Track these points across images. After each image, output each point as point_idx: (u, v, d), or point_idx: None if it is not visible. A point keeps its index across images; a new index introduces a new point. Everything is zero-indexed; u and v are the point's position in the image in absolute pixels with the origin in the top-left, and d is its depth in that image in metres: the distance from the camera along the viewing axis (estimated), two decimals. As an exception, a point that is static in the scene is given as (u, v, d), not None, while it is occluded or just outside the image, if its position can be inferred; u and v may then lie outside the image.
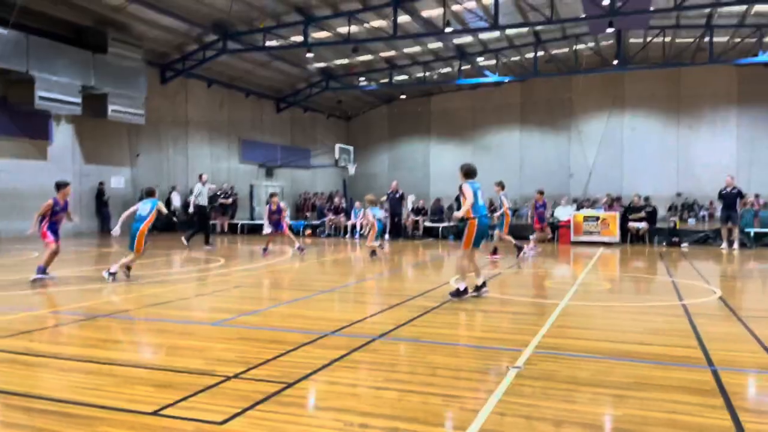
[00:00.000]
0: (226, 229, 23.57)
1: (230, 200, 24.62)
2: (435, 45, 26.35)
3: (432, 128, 35.44)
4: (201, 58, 23.68)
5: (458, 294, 7.59)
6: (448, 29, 20.58)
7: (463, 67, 28.33)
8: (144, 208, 9.83)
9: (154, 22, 20.89)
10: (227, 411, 3.69)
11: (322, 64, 28.16)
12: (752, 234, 18.00)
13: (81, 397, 3.98)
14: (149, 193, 10.34)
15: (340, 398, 4.01)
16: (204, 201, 16.92)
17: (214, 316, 6.91)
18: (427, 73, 30.09)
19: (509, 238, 14.43)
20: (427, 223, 22.26)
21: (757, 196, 23.96)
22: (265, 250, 14.94)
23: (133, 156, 23.59)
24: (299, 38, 22.41)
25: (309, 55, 24.76)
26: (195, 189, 17.31)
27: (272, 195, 16.39)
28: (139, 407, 3.77)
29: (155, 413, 3.68)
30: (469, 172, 7.97)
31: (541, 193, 16.82)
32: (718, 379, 4.40)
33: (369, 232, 14.66)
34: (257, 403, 3.83)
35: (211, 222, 24.05)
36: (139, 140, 23.59)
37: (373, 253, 14.07)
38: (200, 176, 17.41)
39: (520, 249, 14.25)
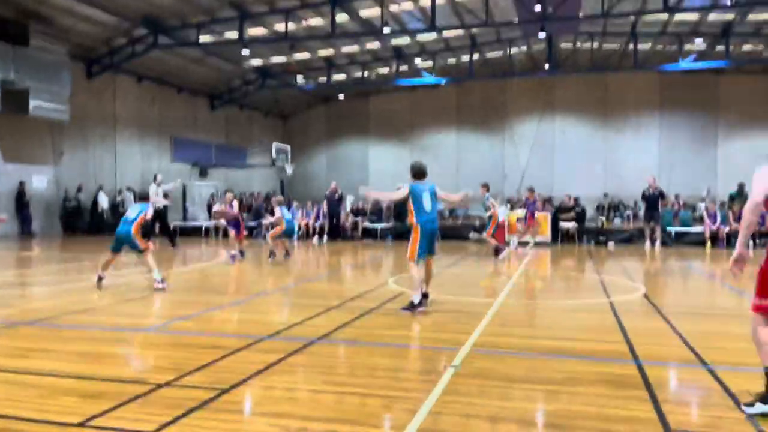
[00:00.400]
0: (157, 232, 22.77)
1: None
2: (373, 45, 26.42)
3: (371, 129, 35.50)
4: (130, 53, 22.81)
5: (411, 307, 7.07)
6: (386, 29, 20.67)
7: (401, 68, 28.54)
8: (132, 212, 9.31)
9: (80, 15, 19.95)
10: (158, 420, 3.56)
11: (258, 62, 27.70)
12: (673, 233, 19.02)
13: (1, 409, 3.75)
14: (143, 198, 9.80)
15: (277, 403, 3.95)
16: (160, 202, 16.65)
17: (145, 321, 6.67)
18: (366, 74, 30.13)
19: (492, 240, 14.58)
20: (366, 224, 22.31)
21: (677, 196, 25.28)
22: (242, 253, 13.75)
23: (57, 154, 22.47)
24: (234, 34, 21.97)
25: (245, 52, 24.31)
26: (150, 190, 16.87)
27: (227, 191, 15.53)
28: (66, 418, 3.59)
29: (82, 424, 3.52)
30: (417, 173, 7.47)
31: (532, 191, 17.12)
32: (643, 373, 4.61)
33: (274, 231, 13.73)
34: (190, 411, 3.72)
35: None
36: (63, 138, 22.48)
37: (272, 254, 13.08)
38: (155, 177, 17.04)
39: (498, 251, 14.43)
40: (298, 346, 5.38)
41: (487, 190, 14.72)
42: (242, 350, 5.25)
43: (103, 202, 23.25)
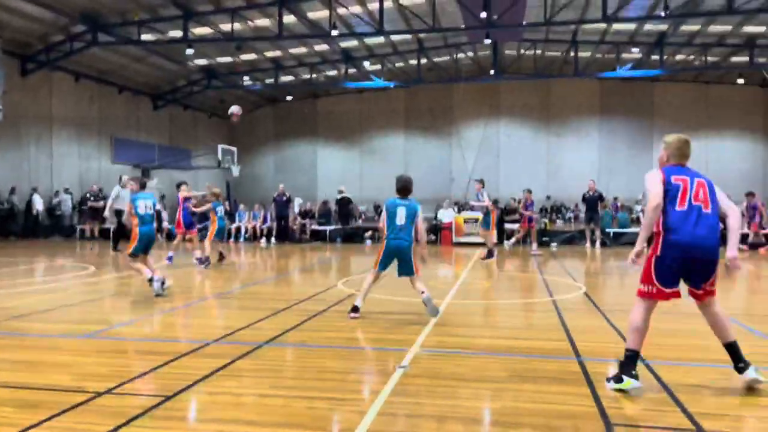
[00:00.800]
0: (96, 235, 22.01)
1: (100, 203, 22.98)
2: (321, 47, 26.33)
3: (319, 130, 35.34)
4: (68, 50, 21.95)
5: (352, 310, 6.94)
6: (334, 32, 20.64)
7: (349, 71, 28.55)
8: (147, 205, 8.57)
9: (14, 9, 19.06)
10: (98, 429, 3.44)
11: (203, 62, 27.15)
12: (611, 234, 19.74)
13: (-77, 425, 3.54)
14: (143, 186, 8.97)
15: (223, 409, 3.88)
16: (123, 205, 15.97)
17: (84, 327, 6.42)
18: (314, 75, 29.98)
19: (490, 239, 14.19)
20: (315, 226, 22.19)
21: (615, 199, 26.26)
22: (204, 259, 12.64)
23: (-12, 154, 21.40)
24: (178, 33, 21.46)
25: (189, 51, 23.78)
26: (113, 192, 16.28)
27: (181, 184, 14.51)
28: (0, 430, 3.43)
29: (15, 437, 3.36)
30: (398, 188, 7.10)
31: (530, 192, 17.22)
32: (584, 369, 4.76)
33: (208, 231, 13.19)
34: (132, 419, 3.61)
35: (80, 227, 22.42)
36: (-6, 137, 21.43)
37: (206, 260, 12.31)
38: (120, 178, 16.45)
39: (490, 254, 14.02)
40: (245, 350, 5.30)
41: (483, 186, 14.40)
42: (187, 355, 5.13)
43: (38, 204, 22.28)
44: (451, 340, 5.89)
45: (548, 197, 31.04)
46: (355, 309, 6.88)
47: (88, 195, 22.72)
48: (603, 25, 22.90)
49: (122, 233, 16.76)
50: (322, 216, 22.97)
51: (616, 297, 9.73)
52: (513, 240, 16.67)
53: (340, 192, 23.12)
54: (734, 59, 26.17)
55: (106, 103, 26.76)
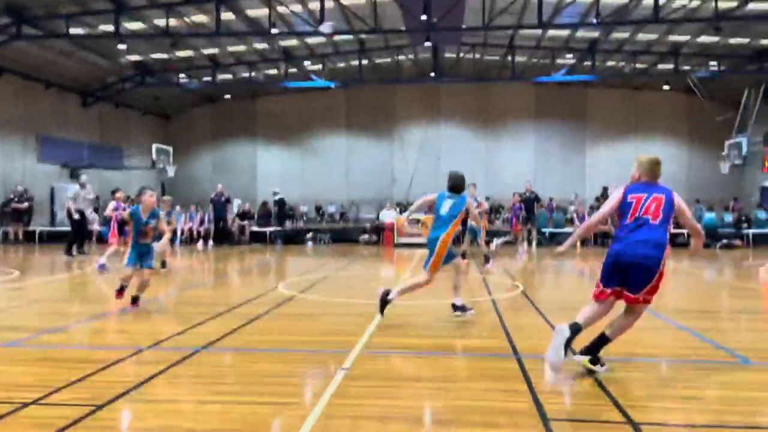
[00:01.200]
0: (21, 238, 20.92)
1: (25, 205, 21.85)
2: (261, 45, 25.93)
3: (258, 130, 34.78)
4: (-10, 43, 20.74)
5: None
6: (273, 30, 20.37)
7: (289, 70, 28.24)
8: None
9: (-72, -3, 17.86)
10: (24, 444, 3.26)
11: (136, 58, 26.22)
12: (547, 234, 20.35)
13: None
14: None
15: (159, 416, 3.75)
16: (82, 205, 15.16)
17: (7, 335, 6.07)
18: (253, 74, 29.49)
19: (485, 248, 13.38)
20: (254, 228, 21.83)
21: (551, 200, 27.07)
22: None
23: None
24: (110, 28, 20.63)
25: (121, 46, 22.90)
26: (69, 193, 15.39)
27: (114, 192, 13.65)
28: None
29: (-71, 455, 3.14)
30: (449, 187, 7.13)
31: (520, 195, 17.07)
32: (522, 367, 4.88)
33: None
34: (60, 431, 3.44)
35: (3, 230, 21.25)
36: None
37: (163, 264, 12.14)
38: (78, 176, 15.66)
39: (487, 260, 13.15)
40: (183, 355, 5.15)
41: (475, 190, 13.73)
42: (119, 363, 4.94)
43: (-43, 205, 20.98)
44: (393, 340, 5.91)
45: (487, 198, 31.63)
46: (461, 308, 7.12)
47: (12, 196, 21.55)
48: (539, 31, 23.57)
49: (81, 237, 15.80)
50: (262, 217, 22.64)
51: (553, 294, 10.04)
52: (523, 249, 16.96)
53: (275, 193, 22.94)
54: (661, 66, 27.47)
55: (32, 100, 25.44)
